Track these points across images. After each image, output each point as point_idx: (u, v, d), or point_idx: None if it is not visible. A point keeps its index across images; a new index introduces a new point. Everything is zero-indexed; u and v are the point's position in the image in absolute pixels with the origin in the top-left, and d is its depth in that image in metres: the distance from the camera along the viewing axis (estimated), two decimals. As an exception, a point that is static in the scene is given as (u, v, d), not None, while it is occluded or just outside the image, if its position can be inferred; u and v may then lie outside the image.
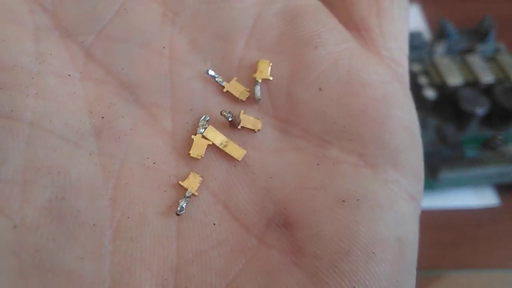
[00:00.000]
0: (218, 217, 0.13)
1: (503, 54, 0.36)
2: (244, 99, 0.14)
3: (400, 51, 0.15)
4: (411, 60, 0.35)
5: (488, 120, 0.33)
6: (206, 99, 0.14)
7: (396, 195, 0.13)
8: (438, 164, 0.31)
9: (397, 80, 0.14)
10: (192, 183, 0.13)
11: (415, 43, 0.36)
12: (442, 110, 0.34)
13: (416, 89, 0.34)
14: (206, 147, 0.13)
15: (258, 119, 0.14)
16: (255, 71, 0.14)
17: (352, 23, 0.15)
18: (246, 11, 0.14)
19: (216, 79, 0.14)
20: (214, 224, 0.12)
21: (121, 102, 0.14)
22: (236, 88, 0.14)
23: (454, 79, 0.33)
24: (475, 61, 0.35)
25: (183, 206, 0.12)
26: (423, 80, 0.34)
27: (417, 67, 0.35)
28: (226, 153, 0.13)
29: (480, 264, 0.29)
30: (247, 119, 0.13)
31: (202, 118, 0.13)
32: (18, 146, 0.12)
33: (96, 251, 0.12)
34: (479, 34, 0.37)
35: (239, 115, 0.14)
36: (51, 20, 0.14)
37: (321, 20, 0.14)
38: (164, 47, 0.14)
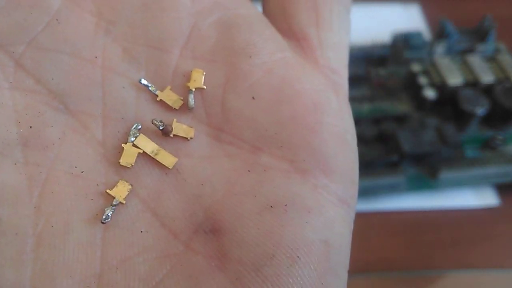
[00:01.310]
0: (146, 224, 0.13)
1: (503, 54, 0.36)
2: (177, 108, 0.14)
3: (339, 61, 0.15)
4: (411, 60, 0.36)
5: (488, 120, 0.33)
6: (139, 108, 0.14)
7: (325, 200, 0.13)
8: (438, 164, 0.31)
9: (332, 89, 0.14)
10: (120, 191, 0.13)
11: (415, 43, 0.36)
12: (442, 110, 0.34)
13: (416, 89, 0.34)
14: (136, 155, 0.13)
15: (191, 127, 0.14)
16: (189, 80, 0.14)
17: (292, 33, 0.15)
18: (181, 21, 0.14)
19: (150, 88, 0.14)
20: (141, 231, 0.13)
21: (50, 111, 0.14)
22: (169, 96, 0.14)
23: (454, 79, 0.33)
24: (475, 61, 0.35)
25: (109, 214, 0.12)
26: (423, 80, 0.34)
27: (417, 67, 0.35)
28: (157, 161, 0.13)
29: (480, 264, 0.29)
30: (180, 127, 0.14)
31: (134, 127, 0.13)
32: None
33: (17, 258, 0.12)
34: (479, 34, 0.37)
35: (171, 123, 0.14)
36: None
37: (257, 30, 0.15)
38: (96, 57, 0.14)
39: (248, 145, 0.14)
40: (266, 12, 0.16)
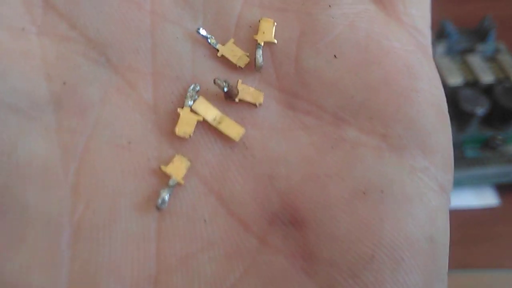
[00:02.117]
0: (210, 211, 0.10)
1: (503, 54, 0.36)
2: (242, 66, 0.12)
3: (423, 20, 0.13)
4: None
5: (488, 120, 0.33)
6: (197, 64, 0.12)
7: (426, 186, 0.11)
8: (438, 164, 0.31)
9: (421, 50, 0.12)
10: (178, 168, 0.10)
11: (415, 43, 0.36)
12: (442, 110, 0.33)
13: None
14: (195, 123, 0.11)
15: (260, 90, 0.11)
16: (256, 32, 0.12)
17: None
18: None
19: (209, 41, 0.12)
20: (205, 220, 0.10)
21: (89, 64, 0.11)
22: (233, 52, 0.12)
23: (454, 79, 0.33)
24: (475, 61, 0.35)
25: (165, 198, 0.10)
26: (423, 80, 0.34)
27: (417, 67, 0.35)
28: (220, 131, 0.11)
29: (480, 264, 0.29)
30: (246, 90, 0.11)
31: (191, 88, 0.11)
32: None
33: (49, 257, 0.09)
34: (479, 34, 0.37)
35: (236, 85, 0.11)
36: None
37: None
38: (145, 1, 0.12)
39: (330, 116, 0.11)
40: None
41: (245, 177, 0.11)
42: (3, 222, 0.09)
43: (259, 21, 0.12)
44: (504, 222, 0.31)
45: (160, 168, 0.11)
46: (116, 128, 0.11)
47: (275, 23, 0.12)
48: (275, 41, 0.12)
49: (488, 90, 0.33)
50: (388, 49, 0.12)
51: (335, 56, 0.11)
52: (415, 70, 0.12)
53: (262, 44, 0.12)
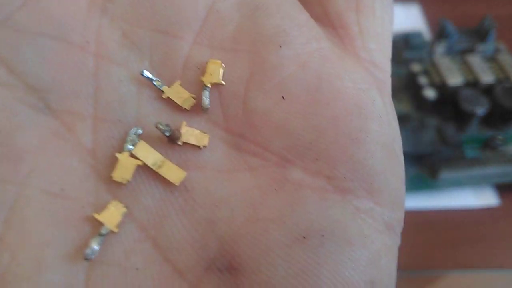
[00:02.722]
0: (144, 259, 0.10)
1: (503, 54, 0.36)
2: (188, 108, 0.11)
3: (382, 54, 0.13)
4: (411, 60, 0.36)
5: (488, 120, 0.33)
6: (141, 107, 0.11)
7: (370, 228, 0.11)
8: (438, 164, 0.31)
9: (376, 87, 0.12)
10: (112, 215, 0.10)
11: (415, 43, 0.36)
12: (442, 110, 0.33)
13: (416, 89, 0.34)
14: (134, 168, 0.10)
15: (205, 132, 0.11)
16: (203, 73, 0.11)
17: (327, 19, 0.12)
18: (197, 1, 0.12)
19: (154, 83, 0.11)
20: (137, 268, 0.10)
21: (27, 111, 0.11)
22: (179, 94, 0.11)
23: (454, 79, 0.33)
24: (475, 61, 0.35)
25: (94, 247, 0.10)
26: (423, 80, 0.34)
27: (417, 67, 0.35)
28: (161, 175, 0.11)
29: (480, 264, 0.29)
30: (191, 133, 0.11)
31: (132, 132, 0.11)
32: None
33: None
34: (479, 34, 0.37)
35: (180, 127, 0.11)
36: None
37: (288, 13, 0.12)
38: (88, 42, 0.11)
39: (276, 157, 0.11)
40: None
41: (184, 222, 0.11)
42: None
43: (207, 62, 0.11)
44: (504, 222, 0.31)
45: (93, 216, 0.10)
46: (51, 175, 0.10)
47: (223, 65, 0.11)
48: (223, 82, 0.11)
49: (488, 90, 0.33)
50: (339, 89, 0.11)
51: (283, 97, 0.11)
52: (366, 110, 0.11)
53: (210, 85, 0.11)
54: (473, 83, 0.33)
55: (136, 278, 0.10)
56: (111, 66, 0.11)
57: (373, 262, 0.11)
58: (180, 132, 0.11)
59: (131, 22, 0.11)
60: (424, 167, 0.31)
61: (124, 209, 0.10)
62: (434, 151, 0.31)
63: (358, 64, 0.12)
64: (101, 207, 0.10)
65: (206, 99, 0.11)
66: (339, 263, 0.10)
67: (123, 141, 0.11)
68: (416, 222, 0.30)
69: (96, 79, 0.11)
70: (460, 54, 0.36)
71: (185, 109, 0.11)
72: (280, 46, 0.11)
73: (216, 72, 0.11)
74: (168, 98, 0.11)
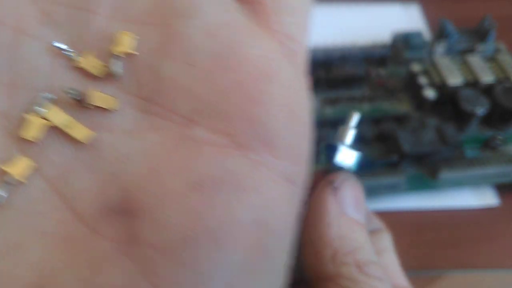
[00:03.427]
0: (49, 207, 0.11)
1: (503, 54, 0.36)
2: (101, 76, 0.12)
3: (297, 27, 0.14)
4: (411, 60, 0.36)
5: (488, 120, 0.33)
6: (54, 76, 0.12)
7: (265, 177, 0.12)
8: (438, 164, 0.31)
9: (285, 56, 0.13)
10: (21, 168, 0.11)
11: (415, 43, 0.36)
12: (442, 110, 0.34)
13: (416, 89, 0.34)
14: (43, 127, 0.11)
15: (115, 97, 0.12)
16: (115, 44, 0.12)
17: None
18: None
19: (66, 53, 0.12)
20: (41, 213, 0.11)
21: None
22: (92, 63, 0.12)
23: (454, 79, 0.33)
24: (475, 61, 0.35)
25: (2, 195, 0.11)
26: (423, 80, 0.34)
27: (417, 67, 0.35)
28: (69, 135, 0.12)
29: (480, 264, 0.29)
30: (100, 97, 0.12)
31: (42, 96, 0.12)
32: None
33: None
34: (479, 34, 0.37)
35: (89, 93, 0.12)
36: None
37: None
38: (6, 17, 0.12)
39: (182, 118, 0.12)
40: None
41: (90, 176, 0.12)
42: None
43: (118, 34, 0.12)
44: (504, 222, 0.31)
45: (1, 169, 0.11)
46: None
47: (137, 36, 0.12)
48: (134, 52, 0.12)
49: (488, 90, 0.33)
50: (246, 56, 0.12)
51: (190, 64, 0.12)
52: (271, 75, 0.12)
53: (120, 55, 0.12)
54: (473, 83, 0.33)
55: (40, 223, 0.11)
56: (28, 40, 0.12)
57: (266, 206, 0.12)
58: (89, 96, 0.12)
59: (50, 2, 0.12)
60: (424, 167, 0.31)
61: (32, 164, 0.11)
62: (434, 151, 0.31)
63: (269, 35, 0.13)
64: (10, 162, 0.11)
65: (117, 67, 0.12)
66: (232, 206, 0.11)
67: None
68: (416, 222, 0.30)
69: (12, 50, 0.12)
70: (460, 54, 0.36)
71: (98, 77, 0.12)
72: (191, 18, 0.12)
73: (127, 43, 0.12)
74: (82, 68, 0.12)
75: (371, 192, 0.30)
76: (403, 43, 0.36)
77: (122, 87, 0.12)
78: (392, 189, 0.31)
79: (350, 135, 0.17)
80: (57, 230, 0.11)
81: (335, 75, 0.34)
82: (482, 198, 0.32)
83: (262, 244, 0.12)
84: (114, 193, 0.11)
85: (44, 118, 0.11)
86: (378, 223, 0.19)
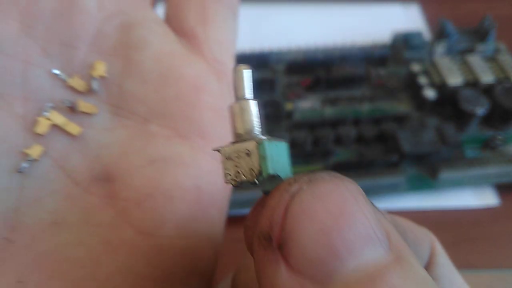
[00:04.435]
0: (55, 176, 0.16)
1: (503, 54, 0.36)
2: (84, 91, 0.17)
3: (224, 53, 0.19)
4: (411, 60, 0.36)
5: (488, 120, 0.33)
6: (53, 91, 0.17)
7: (201, 157, 0.17)
8: (438, 164, 0.31)
9: (214, 74, 0.18)
10: (35, 151, 0.16)
11: (415, 43, 0.36)
12: (442, 110, 0.34)
13: (416, 89, 0.34)
14: (49, 126, 0.17)
15: (95, 105, 0.17)
16: (94, 70, 0.17)
17: (183, 32, 0.19)
18: (89, 24, 0.18)
19: (59, 76, 0.17)
20: (51, 180, 0.16)
21: None
22: (77, 82, 0.17)
23: (454, 79, 0.33)
24: (475, 61, 0.35)
25: (25, 166, 0.16)
26: (423, 80, 0.34)
27: (417, 67, 0.35)
28: (66, 130, 0.17)
29: (480, 264, 0.29)
30: (85, 105, 0.17)
31: (48, 105, 0.17)
32: None
33: None
34: (479, 34, 0.37)
35: (78, 103, 0.17)
36: None
37: (151, 28, 0.18)
38: (18, 53, 0.17)
39: (141, 118, 0.17)
40: (166, 16, 0.19)
41: (81, 157, 0.17)
42: None
43: (95, 63, 0.17)
44: (504, 222, 0.31)
45: (23, 151, 0.16)
46: None
47: (107, 64, 0.17)
48: (106, 74, 0.17)
49: (488, 90, 0.33)
50: (183, 74, 0.18)
51: (144, 81, 0.17)
52: (202, 87, 0.18)
53: (97, 77, 0.17)
54: (473, 83, 0.33)
55: (50, 185, 0.16)
56: (33, 67, 0.17)
57: (202, 176, 0.17)
58: (78, 105, 0.17)
59: (46, 39, 0.17)
60: (424, 167, 0.31)
61: (43, 149, 0.16)
62: (434, 151, 0.31)
63: (201, 60, 0.18)
64: (28, 148, 0.16)
65: (95, 85, 0.17)
66: (177, 175, 0.17)
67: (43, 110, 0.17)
68: (416, 222, 0.30)
69: (23, 75, 0.17)
70: (460, 54, 0.36)
71: (83, 92, 0.17)
72: (143, 49, 0.18)
73: (101, 69, 0.17)
74: (72, 86, 0.17)
75: (371, 192, 0.30)
76: (403, 43, 0.36)
77: (99, 98, 0.17)
78: (392, 189, 0.31)
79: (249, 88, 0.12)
80: (63, 190, 0.16)
81: (335, 75, 0.34)
82: (482, 198, 0.32)
83: (200, 202, 0.17)
84: (98, 167, 0.17)
85: (49, 119, 0.17)
86: (415, 230, 0.16)
